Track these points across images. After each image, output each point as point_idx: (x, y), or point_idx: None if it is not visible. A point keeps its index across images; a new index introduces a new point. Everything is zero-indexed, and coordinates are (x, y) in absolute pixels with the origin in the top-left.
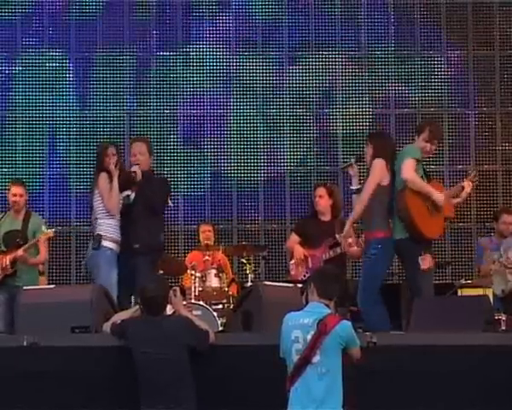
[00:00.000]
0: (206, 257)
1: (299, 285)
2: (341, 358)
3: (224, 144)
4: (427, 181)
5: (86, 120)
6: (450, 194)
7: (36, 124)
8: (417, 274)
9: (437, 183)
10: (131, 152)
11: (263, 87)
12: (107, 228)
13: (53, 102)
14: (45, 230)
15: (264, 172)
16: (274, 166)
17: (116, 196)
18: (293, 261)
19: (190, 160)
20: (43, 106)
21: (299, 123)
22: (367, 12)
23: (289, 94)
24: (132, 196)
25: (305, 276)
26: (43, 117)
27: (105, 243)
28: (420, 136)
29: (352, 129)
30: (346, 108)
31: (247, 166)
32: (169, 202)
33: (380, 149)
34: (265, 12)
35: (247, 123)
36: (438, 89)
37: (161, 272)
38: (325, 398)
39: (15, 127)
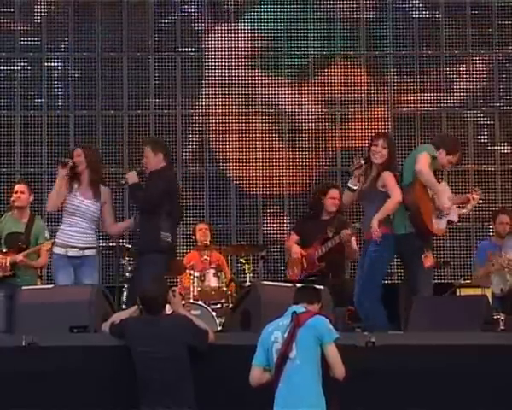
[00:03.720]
0: (205, 257)
1: (298, 285)
2: (319, 354)
3: (222, 144)
4: None
5: (85, 120)
6: (455, 201)
7: (34, 124)
8: (417, 271)
9: (445, 184)
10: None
11: (263, 88)
12: (58, 234)
13: (52, 102)
14: (48, 236)
15: (263, 172)
16: (273, 165)
17: (53, 195)
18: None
19: (189, 160)
20: (41, 106)
21: (298, 123)
22: (365, 12)
23: (290, 99)
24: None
25: (300, 276)
26: (41, 117)
27: (53, 249)
28: (442, 149)
29: (351, 129)
30: (344, 107)
31: (246, 165)
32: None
33: (393, 154)
34: (268, 19)
35: (246, 123)
36: (437, 89)
37: None
38: (305, 393)
39: (14, 127)
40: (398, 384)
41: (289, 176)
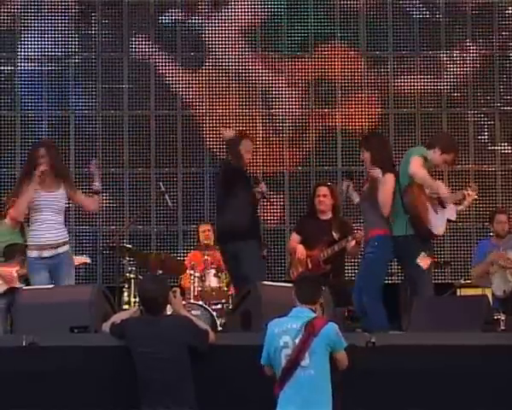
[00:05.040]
0: (206, 257)
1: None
2: (329, 362)
3: (222, 144)
4: None
5: (85, 120)
6: (452, 198)
7: (35, 124)
8: (416, 273)
9: (441, 183)
10: (248, 148)
11: (263, 86)
12: (30, 237)
13: (52, 102)
14: None
15: (263, 172)
16: (273, 165)
17: (23, 202)
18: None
19: (190, 159)
20: (42, 105)
21: (299, 122)
22: (366, 11)
23: (289, 93)
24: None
25: None
26: (42, 117)
27: (28, 253)
28: (435, 148)
29: (352, 129)
30: (345, 107)
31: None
32: (169, 201)
33: (376, 154)
34: (265, 11)
35: (246, 122)
36: (437, 88)
37: (160, 271)
38: (315, 401)
39: (14, 127)
40: (398, 384)
41: (290, 173)
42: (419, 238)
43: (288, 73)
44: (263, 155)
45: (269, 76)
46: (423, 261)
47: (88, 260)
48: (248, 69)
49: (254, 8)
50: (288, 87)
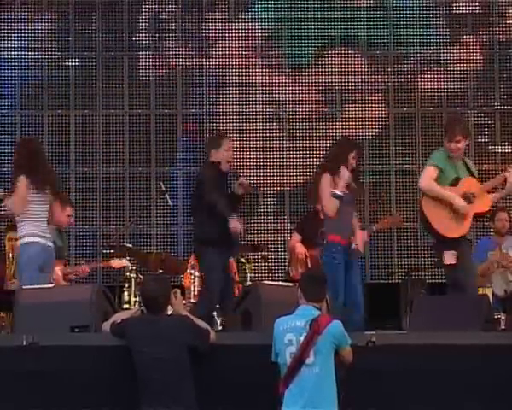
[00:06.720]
0: None
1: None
2: (333, 359)
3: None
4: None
5: (85, 120)
6: (486, 188)
7: (35, 124)
8: (456, 274)
9: (471, 179)
10: (228, 147)
11: (262, 87)
12: (33, 231)
13: (52, 102)
14: None
15: (263, 172)
16: (273, 165)
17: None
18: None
19: (190, 159)
20: (42, 105)
21: (299, 123)
22: (366, 11)
23: (289, 94)
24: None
25: None
26: (42, 117)
27: (31, 246)
28: (444, 138)
29: (352, 129)
30: (345, 107)
31: (247, 165)
32: (169, 201)
33: (332, 157)
34: (267, 13)
35: (246, 123)
36: (437, 88)
37: (161, 271)
38: (320, 398)
39: (15, 127)
40: (398, 384)
41: (290, 173)
42: (441, 243)
43: (290, 76)
44: (263, 153)
45: (269, 77)
46: (448, 258)
47: (128, 264)
48: (249, 69)
49: (256, 13)
50: (290, 89)
